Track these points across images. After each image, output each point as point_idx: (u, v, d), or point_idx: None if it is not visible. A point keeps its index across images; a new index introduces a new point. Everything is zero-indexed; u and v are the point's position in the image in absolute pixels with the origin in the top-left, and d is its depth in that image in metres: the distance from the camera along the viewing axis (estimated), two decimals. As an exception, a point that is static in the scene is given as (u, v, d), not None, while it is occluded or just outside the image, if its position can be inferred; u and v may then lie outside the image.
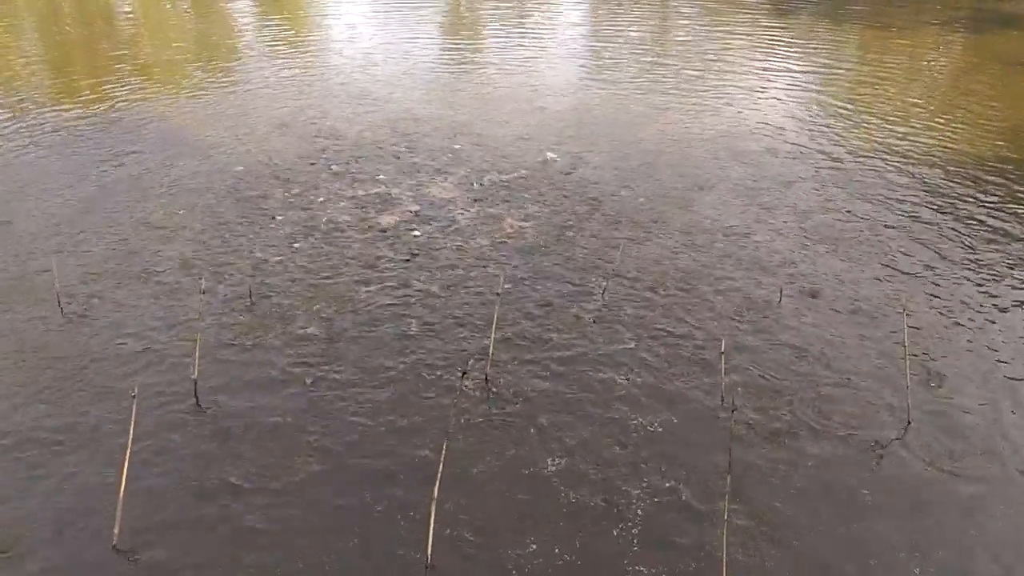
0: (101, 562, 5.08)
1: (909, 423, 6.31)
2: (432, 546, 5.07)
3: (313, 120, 13.24)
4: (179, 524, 5.36)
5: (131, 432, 5.44)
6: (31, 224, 9.47)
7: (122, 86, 15.05)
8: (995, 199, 10.31)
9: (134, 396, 5.60)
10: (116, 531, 5.16)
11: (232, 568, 5.07)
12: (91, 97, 14.38)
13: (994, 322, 7.68)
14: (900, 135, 12.62)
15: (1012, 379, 6.88)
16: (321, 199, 10.20)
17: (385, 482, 5.72)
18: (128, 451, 5.36)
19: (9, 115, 13.26)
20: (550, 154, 10.65)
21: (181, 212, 9.83)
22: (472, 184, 10.66)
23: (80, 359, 7.01)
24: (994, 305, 7.96)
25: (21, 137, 12.27)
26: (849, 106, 14.23)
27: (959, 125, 13.08)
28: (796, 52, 18.14)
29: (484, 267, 8.59)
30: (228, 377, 6.81)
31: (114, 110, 13.63)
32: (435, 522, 5.08)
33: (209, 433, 6.18)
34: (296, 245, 9.02)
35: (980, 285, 8.30)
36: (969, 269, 8.61)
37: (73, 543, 5.21)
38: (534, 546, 5.22)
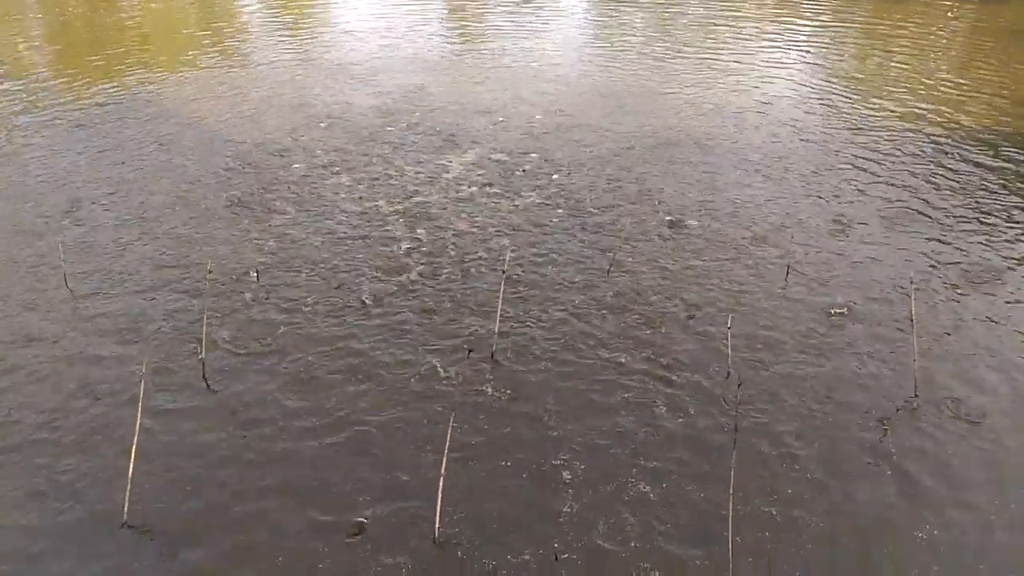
0: (111, 540, 5.13)
1: (916, 396, 6.28)
2: (440, 521, 5.11)
3: (320, 99, 13.18)
4: (187, 502, 5.41)
5: (139, 411, 5.48)
6: (37, 205, 9.48)
7: (125, 66, 14.99)
8: (1008, 168, 10.18)
9: (141, 377, 5.63)
10: (126, 509, 5.22)
11: (239, 543, 5.11)
12: (94, 77, 14.31)
13: (1003, 295, 7.61)
14: (911, 105, 12.47)
15: (1020, 355, 6.83)
16: (328, 179, 10.17)
17: (391, 460, 5.75)
18: (136, 429, 5.40)
19: (12, 96, 13.21)
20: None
21: (186, 191, 9.82)
22: (477, 163, 10.60)
23: (88, 339, 7.05)
24: (1005, 277, 7.89)
25: (24, 117, 12.25)
26: (859, 75, 14.06)
27: (970, 94, 12.91)
28: (804, 22, 17.87)
29: (489, 246, 8.56)
30: (236, 356, 6.83)
31: (116, 90, 13.58)
32: (442, 497, 5.11)
33: (217, 411, 6.21)
34: (303, 225, 9.00)
35: (990, 257, 8.23)
36: (979, 241, 8.53)
37: (83, 521, 5.25)
38: (538, 523, 5.25)
